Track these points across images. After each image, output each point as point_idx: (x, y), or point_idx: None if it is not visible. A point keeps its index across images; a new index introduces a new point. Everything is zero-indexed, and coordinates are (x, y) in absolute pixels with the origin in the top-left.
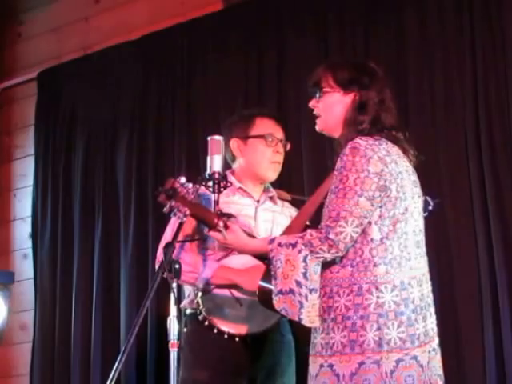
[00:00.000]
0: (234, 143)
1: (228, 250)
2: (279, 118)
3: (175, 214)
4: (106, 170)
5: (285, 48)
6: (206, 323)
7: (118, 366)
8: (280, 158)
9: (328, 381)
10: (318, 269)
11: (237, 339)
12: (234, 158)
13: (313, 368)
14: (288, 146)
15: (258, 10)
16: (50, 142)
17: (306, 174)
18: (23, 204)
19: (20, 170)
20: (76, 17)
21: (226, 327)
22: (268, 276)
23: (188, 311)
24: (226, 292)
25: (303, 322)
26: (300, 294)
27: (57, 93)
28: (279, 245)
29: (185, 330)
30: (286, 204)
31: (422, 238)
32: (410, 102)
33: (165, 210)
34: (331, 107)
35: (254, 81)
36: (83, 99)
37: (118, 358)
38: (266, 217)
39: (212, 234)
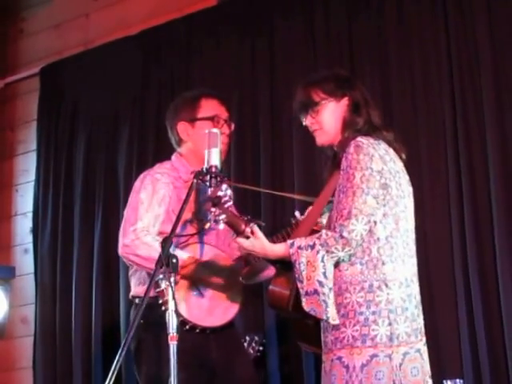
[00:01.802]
0: (182, 126)
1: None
2: (223, 98)
3: (216, 221)
4: (108, 164)
5: (275, 43)
6: None
7: (118, 359)
8: (226, 138)
9: (337, 373)
10: (332, 268)
11: (197, 331)
12: (180, 142)
13: (327, 365)
14: (232, 126)
15: (249, 6)
16: (52, 137)
17: (297, 166)
18: (25, 199)
19: (22, 165)
20: (77, 13)
21: (190, 318)
22: (277, 278)
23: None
24: (186, 282)
25: (330, 320)
26: (324, 294)
27: (59, 88)
28: (299, 248)
29: (142, 321)
30: None
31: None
32: (392, 89)
33: (209, 217)
34: (330, 117)
35: (247, 72)
36: (84, 94)
37: (119, 351)
38: None
39: (239, 240)
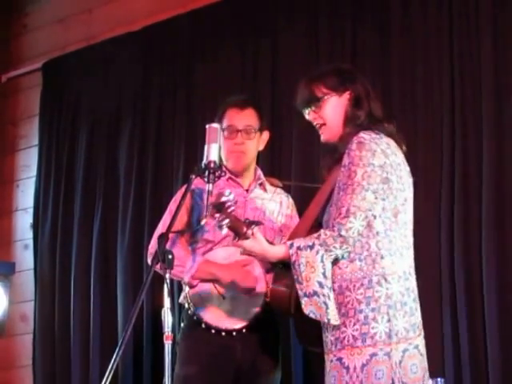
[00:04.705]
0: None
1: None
2: (247, 104)
3: (220, 227)
4: (108, 161)
5: (279, 43)
6: (195, 318)
7: (115, 358)
8: (241, 147)
9: (337, 374)
10: (331, 266)
11: (223, 333)
12: None
13: (327, 365)
14: (252, 135)
15: (252, 4)
16: (54, 132)
17: (296, 165)
18: (26, 195)
19: (24, 160)
20: (80, 8)
21: (211, 321)
22: (278, 279)
23: (184, 306)
24: (209, 286)
25: (331, 322)
26: (323, 295)
27: (61, 83)
28: (298, 248)
29: (182, 324)
30: (278, 190)
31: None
32: (392, 92)
33: (214, 223)
34: (333, 111)
35: (249, 71)
36: (86, 89)
37: (116, 351)
38: (254, 204)
39: (240, 243)
